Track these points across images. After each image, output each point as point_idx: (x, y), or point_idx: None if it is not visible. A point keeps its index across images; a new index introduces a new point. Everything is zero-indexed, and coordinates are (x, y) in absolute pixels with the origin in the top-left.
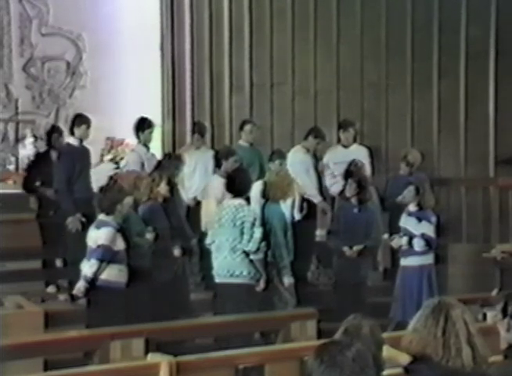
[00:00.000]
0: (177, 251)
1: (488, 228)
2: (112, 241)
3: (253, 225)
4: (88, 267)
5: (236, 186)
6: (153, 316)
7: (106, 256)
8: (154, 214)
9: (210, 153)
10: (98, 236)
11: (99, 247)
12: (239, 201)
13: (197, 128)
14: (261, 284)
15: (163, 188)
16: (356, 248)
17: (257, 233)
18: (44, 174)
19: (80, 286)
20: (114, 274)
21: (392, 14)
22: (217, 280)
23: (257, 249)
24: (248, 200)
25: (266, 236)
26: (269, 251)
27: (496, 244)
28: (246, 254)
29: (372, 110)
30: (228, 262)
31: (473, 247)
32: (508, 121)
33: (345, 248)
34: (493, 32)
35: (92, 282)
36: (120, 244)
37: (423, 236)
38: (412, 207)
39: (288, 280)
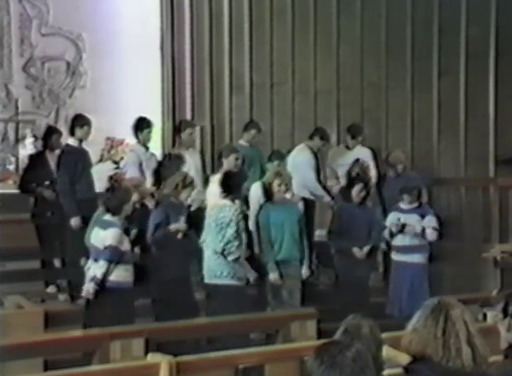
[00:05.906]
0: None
1: (488, 228)
2: (119, 242)
3: (227, 225)
4: (97, 268)
5: (228, 185)
6: (158, 316)
7: (115, 257)
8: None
9: (198, 154)
10: (105, 236)
11: (106, 248)
12: (225, 202)
13: (186, 125)
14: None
15: (187, 192)
16: (366, 249)
17: (228, 233)
18: (40, 175)
19: (89, 287)
20: (122, 274)
21: (392, 14)
22: (206, 280)
23: (223, 250)
24: (241, 200)
25: (249, 235)
26: (248, 250)
27: (496, 244)
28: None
29: (372, 110)
30: (210, 263)
31: (473, 247)
32: (508, 121)
33: (355, 249)
34: (493, 32)
35: (101, 283)
36: (126, 245)
37: (434, 229)
38: (405, 205)
39: (288, 281)
